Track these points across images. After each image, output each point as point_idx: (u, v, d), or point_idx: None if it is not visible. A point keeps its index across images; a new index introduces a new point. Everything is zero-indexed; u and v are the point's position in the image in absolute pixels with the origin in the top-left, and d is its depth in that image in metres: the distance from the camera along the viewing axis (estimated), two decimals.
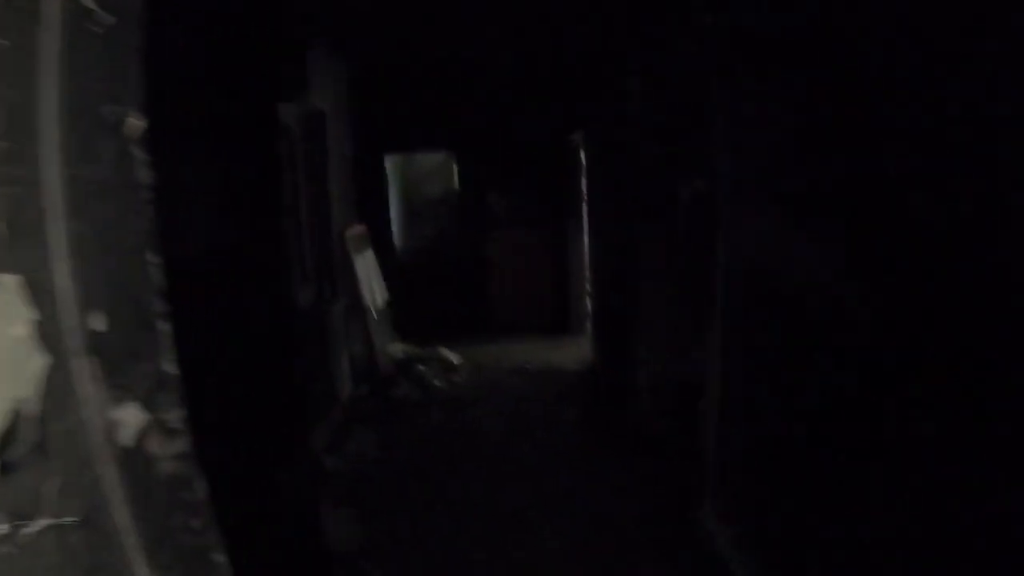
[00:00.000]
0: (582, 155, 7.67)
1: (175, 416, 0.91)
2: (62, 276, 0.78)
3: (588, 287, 7.81)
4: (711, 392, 3.33)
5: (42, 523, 0.75)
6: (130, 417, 0.84)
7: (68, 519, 0.77)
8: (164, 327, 0.91)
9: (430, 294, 8.81)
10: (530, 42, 6.61)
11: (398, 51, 6.82)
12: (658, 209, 4.57)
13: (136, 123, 0.88)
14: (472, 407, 6.08)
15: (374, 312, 6.63)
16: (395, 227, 9.21)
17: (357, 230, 6.66)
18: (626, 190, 5.06)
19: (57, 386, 0.76)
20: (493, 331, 8.59)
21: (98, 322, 0.81)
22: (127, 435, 0.84)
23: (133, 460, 0.84)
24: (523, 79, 7.92)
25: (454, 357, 7.25)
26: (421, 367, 6.92)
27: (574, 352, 7.65)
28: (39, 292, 0.75)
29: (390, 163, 8.92)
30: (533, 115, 8.17)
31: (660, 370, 4.75)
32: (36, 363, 0.74)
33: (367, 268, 6.70)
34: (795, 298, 2.47)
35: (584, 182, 7.70)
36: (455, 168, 8.93)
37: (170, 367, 0.91)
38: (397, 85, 7.83)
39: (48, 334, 0.76)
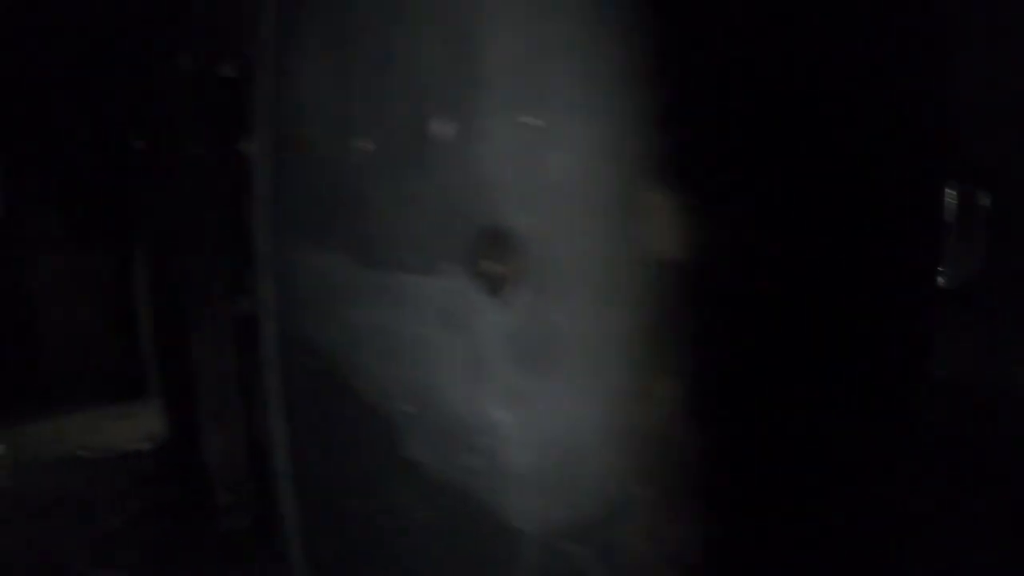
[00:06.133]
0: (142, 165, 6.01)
1: None
2: None
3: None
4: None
5: None
6: None
7: None
8: None
9: None
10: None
11: None
12: (214, 228, 3.85)
13: None
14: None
15: None
16: None
17: None
18: (176, 205, 4.17)
19: None
20: (44, 396, 6.48)
21: None
22: None
23: None
24: (72, 66, 6.14)
25: None
26: None
27: (150, 423, 5.81)
28: None
29: None
30: (94, 114, 6.42)
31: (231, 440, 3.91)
32: None
33: None
34: None
35: (144, 197, 6.03)
36: None
37: None
38: None
39: None
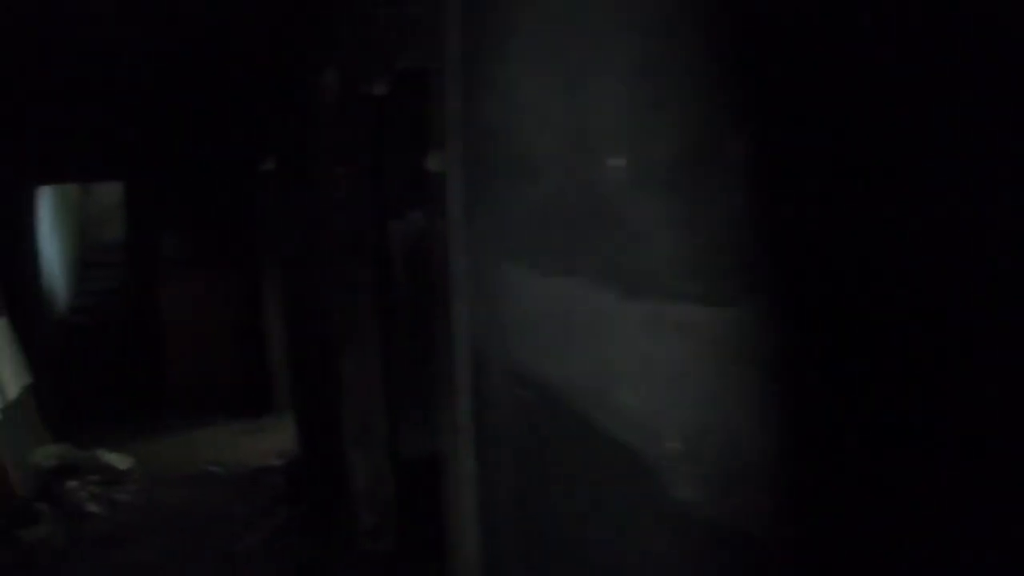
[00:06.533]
0: (274, 185, 6.32)
1: None
2: None
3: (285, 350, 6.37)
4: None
5: None
6: None
7: None
8: None
9: (98, 368, 6.60)
10: (191, 38, 5.34)
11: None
12: (362, 249, 3.76)
13: None
14: (134, 545, 4.51)
15: None
16: (58, 280, 6.98)
17: None
18: (318, 225, 4.18)
19: None
20: (172, 412, 6.61)
21: None
22: None
23: None
24: (202, 90, 6.17)
25: (121, 462, 5.55)
26: (73, 483, 5.13)
27: (279, 439, 5.98)
28: None
29: (49, 196, 6.96)
30: (220, 136, 6.57)
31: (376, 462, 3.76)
32: None
33: None
34: None
35: (275, 217, 6.38)
36: (126, 202, 7.20)
37: None
38: (44, 95, 5.87)
39: None
